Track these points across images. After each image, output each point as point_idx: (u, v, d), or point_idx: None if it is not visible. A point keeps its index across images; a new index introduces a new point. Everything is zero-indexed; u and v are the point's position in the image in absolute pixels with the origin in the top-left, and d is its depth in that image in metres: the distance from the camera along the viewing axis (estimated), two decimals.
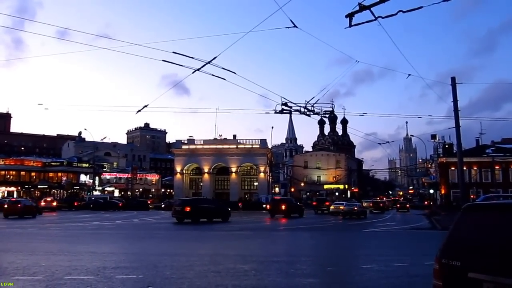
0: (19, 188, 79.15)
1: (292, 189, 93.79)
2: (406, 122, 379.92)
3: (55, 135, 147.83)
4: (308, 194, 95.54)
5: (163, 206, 62.40)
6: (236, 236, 21.56)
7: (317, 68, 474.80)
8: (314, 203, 55.85)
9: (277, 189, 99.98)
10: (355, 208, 40.30)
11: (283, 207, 40.16)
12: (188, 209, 30.84)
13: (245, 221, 34.86)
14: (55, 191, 78.61)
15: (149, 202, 62.79)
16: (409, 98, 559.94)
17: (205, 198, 46.97)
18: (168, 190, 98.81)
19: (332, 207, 46.59)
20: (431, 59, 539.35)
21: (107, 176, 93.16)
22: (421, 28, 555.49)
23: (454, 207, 49.28)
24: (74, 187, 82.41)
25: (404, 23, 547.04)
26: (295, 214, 40.30)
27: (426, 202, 74.15)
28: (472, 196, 46.68)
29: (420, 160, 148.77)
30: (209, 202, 37.18)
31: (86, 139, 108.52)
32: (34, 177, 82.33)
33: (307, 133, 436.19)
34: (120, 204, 57.72)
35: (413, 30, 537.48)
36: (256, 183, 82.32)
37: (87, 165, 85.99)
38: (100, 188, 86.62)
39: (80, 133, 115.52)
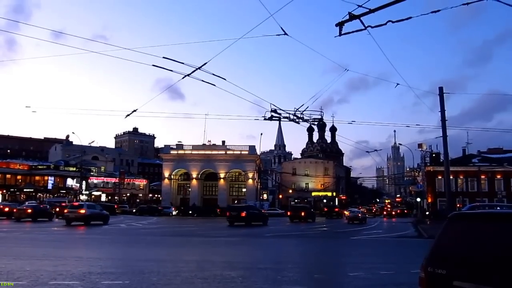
0: (4, 191, 78.09)
1: (280, 196, 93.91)
2: (394, 131, 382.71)
3: (42, 138, 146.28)
4: (296, 201, 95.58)
5: (134, 211, 62.04)
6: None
7: (308, 76, 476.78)
8: (325, 209, 63.63)
9: (265, 196, 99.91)
10: (359, 215, 46.81)
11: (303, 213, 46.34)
12: (243, 214, 37.02)
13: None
14: (41, 195, 77.66)
15: (115, 206, 62.49)
16: (402, 106, 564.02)
17: (252, 205, 48.83)
18: (156, 195, 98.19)
19: (347, 213, 50.91)
20: (426, 68, 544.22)
21: (94, 180, 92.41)
22: (417, 38, 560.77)
23: (440, 216, 49.65)
24: (61, 191, 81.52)
25: (401, 33, 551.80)
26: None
27: (406, 211, 75.90)
28: (458, 205, 47.02)
29: (408, 169, 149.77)
30: (255, 209, 43.31)
31: (74, 143, 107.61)
32: (20, 180, 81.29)
33: (296, 140, 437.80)
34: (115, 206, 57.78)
35: (409, 40, 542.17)
36: (244, 190, 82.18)
37: (74, 169, 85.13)
38: (87, 192, 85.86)
39: (67, 136, 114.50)
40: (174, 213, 63.10)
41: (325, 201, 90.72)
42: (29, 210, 37.56)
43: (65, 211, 35.79)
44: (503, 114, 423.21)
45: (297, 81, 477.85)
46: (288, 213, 49.44)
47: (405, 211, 76.49)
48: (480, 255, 4.00)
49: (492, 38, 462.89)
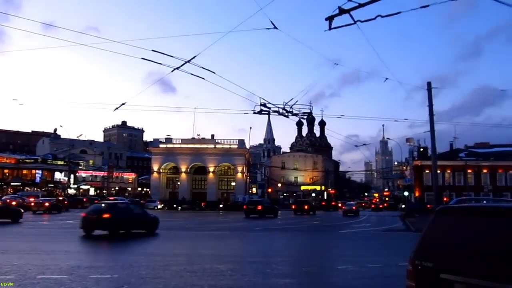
0: None
1: (269, 190, 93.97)
2: (383, 125, 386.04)
3: (30, 131, 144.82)
4: (285, 194, 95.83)
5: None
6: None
7: (299, 70, 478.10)
8: (323, 203, 69.89)
9: (254, 190, 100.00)
10: (354, 207, 51.55)
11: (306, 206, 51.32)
12: (260, 207, 41.09)
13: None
14: (29, 189, 76.95)
15: (84, 200, 61.47)
16: (393, 101, 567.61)
17: (265, 200, 54.23)
18: (145, 189, 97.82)
19: (340, 205, 57.10)
20: (419, 63, 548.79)
21: (82, 174, 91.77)
22: (410, 34, 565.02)
23: (427, 210, 50.19)
24: (49, 185, 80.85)
25: (394, 28, 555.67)
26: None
27: (385, 204, 78.34)
28: (445, 199, 47.51)
29: (396, 163, 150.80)
30: (267, 202, 47.30)
31: (62, 136, 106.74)
32: (7, 174, 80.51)
33: (285, 134, 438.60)
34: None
35: (402, 35, 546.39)
36: (233, 183, 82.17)
37: (63, 162, 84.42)
38: (76, 186, 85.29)
39: (55, 130, 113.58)
40: (159, 206, 62.40)
41: (314, 195, 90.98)
42: None
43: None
44: (491, 109, 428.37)
45: (287, 75, 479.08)
46: (293, 207, 53.41)
47: (385, 204, 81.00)
48: (467, 248, 4.05)
49: (484, 33, 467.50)
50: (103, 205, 21.00)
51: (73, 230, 20.99)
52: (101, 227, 19.17)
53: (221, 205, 65.41)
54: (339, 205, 64.05)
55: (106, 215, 19.03)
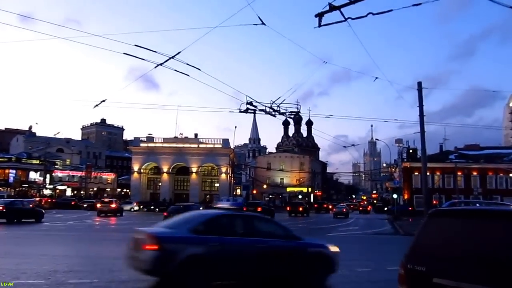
0: None
1: (254, 191, 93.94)
2: (371, 126, 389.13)
3: (3, 128, 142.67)
4: (270, 196, 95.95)
5: (85, 206, 59.59)
6: None
7: (287, 68, 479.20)
8: (315, 206, 74.15)
9: (238, 191, 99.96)
10: (344, 210, 54.40)
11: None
12: (259, 209, 42.74)
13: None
14: (1, 189, 75.82)
15: (73, 202, 60.77)
16: (385, 100, 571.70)
17: (263, 202, 59.48)
18: (125, 190, 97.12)
19: (333, 209, 59.37)
20: (410, 63, 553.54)
21: (59, 174, 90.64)
22: (403, 33, 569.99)
23: (415, 213, 50.77)
24: (23, 185, 79.78)
25: (386, 27, 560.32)
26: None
27: (368, 207, 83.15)
28: (434, 202, 48.04)
29: (384, 165, 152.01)
30: (265, 205, 51.24)
31: (37, 134, 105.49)
32: None
33: (271, 134, 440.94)
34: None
35: (395, 35, 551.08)
36: (217, 184, 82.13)
37: (38, 161, 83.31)
38: (51, 186, 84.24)
39: (30, 127, 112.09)
40: (135, 208, 61.44)
41: (300, 196, 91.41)
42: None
43: None
44: (483, 110, 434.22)
45: (275, 73, 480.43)
46: (288, 208, 56.63)
47: (368, 208, 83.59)
48: (460, 252, 4.11)
49: (477, 33, 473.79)
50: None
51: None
52: None
53: (201, 208, 63.89)
54: (329, 206, 70.56)
55: None
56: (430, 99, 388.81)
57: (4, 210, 28.56)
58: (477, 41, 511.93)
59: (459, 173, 62.21)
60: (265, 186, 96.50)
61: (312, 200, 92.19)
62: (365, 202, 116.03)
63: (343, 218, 49.75)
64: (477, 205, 28.56)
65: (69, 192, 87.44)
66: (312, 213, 61.37)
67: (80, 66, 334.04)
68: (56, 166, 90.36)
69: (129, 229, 27.24)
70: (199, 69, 14.91)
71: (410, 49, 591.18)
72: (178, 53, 13.66)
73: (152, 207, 62.97)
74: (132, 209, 59.23)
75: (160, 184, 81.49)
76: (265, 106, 18.35)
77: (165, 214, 30.79)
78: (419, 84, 23.74)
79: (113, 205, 46.38)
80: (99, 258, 13.77)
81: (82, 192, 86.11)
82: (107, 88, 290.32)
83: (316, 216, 54.41)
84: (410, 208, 57.03)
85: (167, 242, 8.32)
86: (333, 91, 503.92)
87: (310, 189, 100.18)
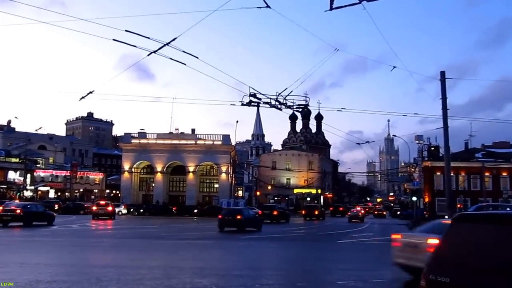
0: None
1: (258, 193, 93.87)
2: (388, 120, 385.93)
3: None
4: (275, 198, 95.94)
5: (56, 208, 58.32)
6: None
7: (295, 56, 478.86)
8: (331, 209, 79.91)
9: (240, 192, 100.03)
10: (360, 214, 58.11)
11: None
12: (275, 212, 45.53)
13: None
14: None
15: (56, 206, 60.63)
16: (404, 92, 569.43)
17: (278, 204, 64.50)
18: (114, 191, 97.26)
19: (348, 213, 62.45)
20: (434, 50, 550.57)
21: (41, 173, 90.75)
22: (426, 19, 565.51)
23: (435, 217, 50.58)
24: (1, 186, 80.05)
25: (408, 13, 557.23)
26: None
27: (383, 212, 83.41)
28: (459, 206, 47.85)
29: (403, 164, 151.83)
30: (281, 208, 54.82)
31: (17, 130, 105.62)
32: None
33: (277, 130, 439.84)
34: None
35: (417, 21, 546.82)
36: (216, 185, 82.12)
37: (17, 160, 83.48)
38: (33, 187, 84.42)
39: (9, 121, 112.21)
40: (123, 211, 61.22)
41: (308, 199, 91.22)
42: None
43: None
44: None
45: (282, 62, 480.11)
46: (303, 212, 61.81)
47: (383, 211, 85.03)
48: (488, 261, 4.08)
49: (508, 17, 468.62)
50: None
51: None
52: None
53: (195, 210, 63.60)
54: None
55: None
56: (455, 91, 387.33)
57: (22, 214, 31.74)
58: (509, 26, 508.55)
59: (486, 174, 61.85)
60: (269, 187, 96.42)
61: (322, 203, 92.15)
62: (381, 206, 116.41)
63: (359, 222, 51.96)
64: (508, 209, 28.32)
65: (52, 194, 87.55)
66: (328, 216, 65.43)
67: (65, 54, 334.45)
68: (37, 165, 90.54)
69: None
70: (196, 57, 14.90)
71: (433, 35, 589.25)
72: (174, 39, 13.66)
73: (142, 211, 63.15)
74: (120, 213, 59.00)
75: (153, 185, 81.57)
76: (270, 98, 18.35)
77: (220, 217, 33.01)
78: (442, 73, 23.60)
79: (110, 208, 48.18)
80: (86, 267, 13.78)
81: (66, 193, 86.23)
82: (94, 79, 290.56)
83: (332, 220, 57.42)
84: (426, 213, 56.82)
85: None
86: (346, 82, 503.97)
87: (319, 191, 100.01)
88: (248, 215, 34.30)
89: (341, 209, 77.56)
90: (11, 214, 31.48)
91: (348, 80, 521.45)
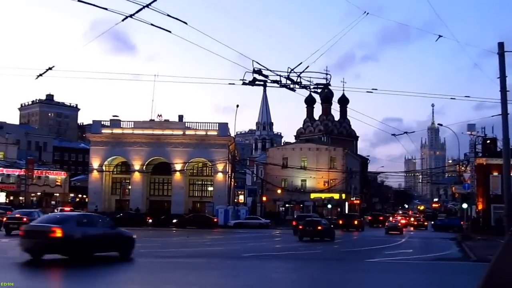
0: None
1: (264, 198, 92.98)
2: (432, 105, 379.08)
3: None
4: (287, 205, 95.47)
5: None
6: None
7: (313, 21, 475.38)
8: (370, 218, 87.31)
9: (241, 197, 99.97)
10: (399, 225, 62.85)
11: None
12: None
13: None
14: None
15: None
16: (456, 69, 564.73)
17: (323, 218, 61.04)
18: (81, 195, 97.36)
19: (386, 223, 68.24)
20: (492, 17, 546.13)
21: None
22: None
23: (492, 230, 50.49)
24: None
25: None
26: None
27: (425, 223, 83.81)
28: None
29: (450, 161, 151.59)
30: (325, 223, 51.61)
31: None
32: None
33: (289, 117, 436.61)
34: None
35: None
36: (211, 188, 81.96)
37: None
38: None
39: None
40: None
41: (329, 206, 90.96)
42: None
43: None
44: None
45: (295, 29, 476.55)
46: (340, 222, 65.65)
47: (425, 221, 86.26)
48: None
49: None
50: None
51: None
52: None
53: (174, 220, 63.51)
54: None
55: None
56: None
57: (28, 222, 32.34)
58: None
59: None
60: (279, 191, 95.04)
61: (346, 211, 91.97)
62: (422, 214, 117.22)
63: (398, 234, 55.91)
64: None
65: (2, 198, 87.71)
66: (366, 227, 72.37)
67: (19, 21, 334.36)
68: None
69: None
70: (185, 23, 14.89)
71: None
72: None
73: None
74: None
75: (129, 187, 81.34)
76: (280, 75, 18.27)
77: (297, 224, 46.70)
78: (501, 45, 23.36)
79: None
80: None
81: (21, 198, 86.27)
82: (56, 52, 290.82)
83: (370, 231, 64.56)
84: (462, 222, 56.50)
85: None
86: (383, 55, 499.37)
87: (344, 195, 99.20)
88: (325, 225, 44.40)
89: (380, 218, 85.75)
90: None
91: (385, 53, 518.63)
